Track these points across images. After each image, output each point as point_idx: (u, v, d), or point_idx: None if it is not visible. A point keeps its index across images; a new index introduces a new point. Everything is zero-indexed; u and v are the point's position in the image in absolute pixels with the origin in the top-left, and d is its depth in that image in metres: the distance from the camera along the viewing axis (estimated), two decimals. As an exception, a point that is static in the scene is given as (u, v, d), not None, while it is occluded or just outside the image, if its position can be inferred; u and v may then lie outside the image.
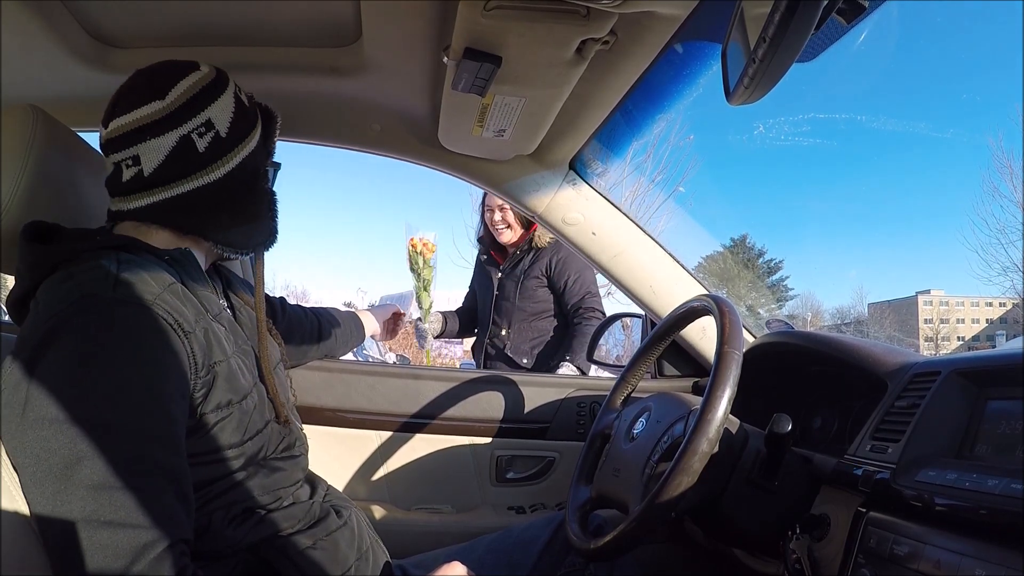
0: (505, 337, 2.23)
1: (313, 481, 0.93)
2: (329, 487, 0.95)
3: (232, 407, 0.77)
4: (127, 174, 0.80)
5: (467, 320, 2.41)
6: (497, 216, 2.19)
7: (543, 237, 2.18)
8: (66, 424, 0.63)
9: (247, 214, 0.87)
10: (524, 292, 2.19)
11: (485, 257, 2.32)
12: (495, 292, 2.25)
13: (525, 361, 2.18)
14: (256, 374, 0.86)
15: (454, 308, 2.49)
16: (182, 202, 0.81)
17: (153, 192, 0.80)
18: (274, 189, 0.93)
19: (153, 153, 0.79)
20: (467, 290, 2.50)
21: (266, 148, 0.90)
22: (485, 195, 2.24)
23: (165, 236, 0.83)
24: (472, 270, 2.45)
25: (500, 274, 2.25)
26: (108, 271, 0.71)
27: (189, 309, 0.75)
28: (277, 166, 0.93)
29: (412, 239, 2.56)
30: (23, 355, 0.66)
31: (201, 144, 0.81)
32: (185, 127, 0.80)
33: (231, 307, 0.93)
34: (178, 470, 0.68)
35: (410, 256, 2.43)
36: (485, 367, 2.24)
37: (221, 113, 0.82)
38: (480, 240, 2.36)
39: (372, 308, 1.59)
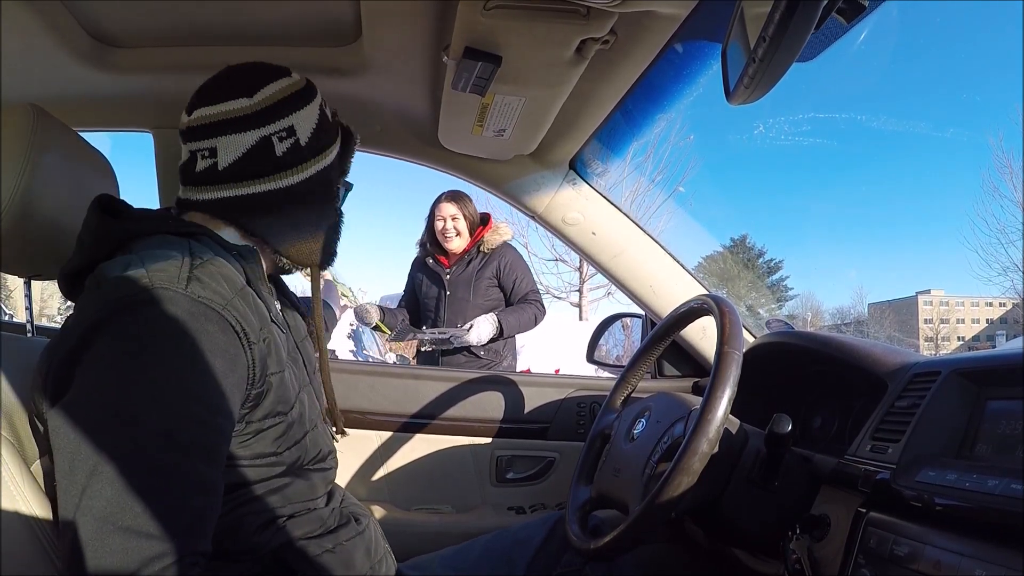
0: None
1: (332, 489, 0.91)
2: (346, 494, 0.94)
3: (279, 417, 0.75)
4: (201, 164, 0.80)
5: (413, 318, 2.59)
6: (449, 225, 2.41)
7: (490, 242, 2.43)
8: (107, 416, 0.61)
9: (311, 227, 0.86)
10: (478, 291, 2.42)
11: (431, 261, 2.51)
12: (446, 292, 2.46)
13: (483, 354, 2.40)
14: (303, 381, 0.84)
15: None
16: (251, 202, 0.80)
17: (224, 187, 0.80)
18: (343, 209, 0.92)
19: (231, 148, 0.79)
20: (403, 292, 2.68)
21: (341, 166, 0.90)
22: (435, 205, 2.45)
23: (231, 234, 0.82)
24: (409, 273, 2.65)
25: (449, 276, 2.46)
26: (182, 264, 0.69)
27: (255, 316, 0.73)
28: (349, 186, 0.93)
29: None
30: (78, 332, 0.64)
31: (280, 148, 0.80)
32: (267, 128, 0.79)
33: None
34: (211, 483, 0.66)
35: None
36: (443, 358, 2.41)
37: (304, 122, 0.82)
38: (423, 245, 2.55)
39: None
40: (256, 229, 0.82)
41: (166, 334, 0.64)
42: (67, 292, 0.77)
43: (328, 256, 0.90)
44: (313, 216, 0.85)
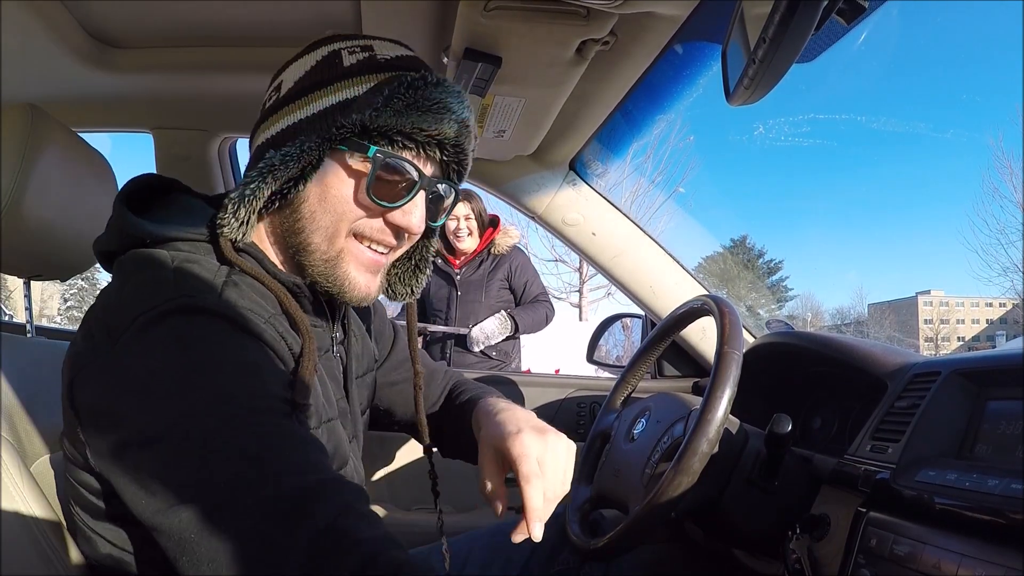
0: None
1: None
2: None
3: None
4: None
5: (421, 318, 2.59)
6: (462, 224, 2.44)
7: (500, 245, 2.47)
8: (168, 441, 0.52)
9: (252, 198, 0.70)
10: (489, 293, 2.47)
11: (440, 260, 2.53)
12: (457, 292, 2.49)
13: (495, 354, 2.45)
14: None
15: None
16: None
17: None
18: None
19: None
20: None
21: (352, 118, 0.73)
22: None
23: None
24: None
25: (459, 276, 2.49)
26: (214, 276, 0.61)
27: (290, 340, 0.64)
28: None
29: None
30: (108, 344, 0.56)
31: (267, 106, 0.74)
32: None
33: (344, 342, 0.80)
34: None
35: None
36: (455, 357, 2.44)
37: (291, 74, 0.72)
38: None
39: None
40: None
41: (212, 342, 0.56)
42: (105, 266, 0.68)
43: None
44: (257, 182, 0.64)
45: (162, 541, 0.52)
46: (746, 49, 0.53)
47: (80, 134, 0.96)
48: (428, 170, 0.68)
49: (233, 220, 0.64)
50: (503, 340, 2.41)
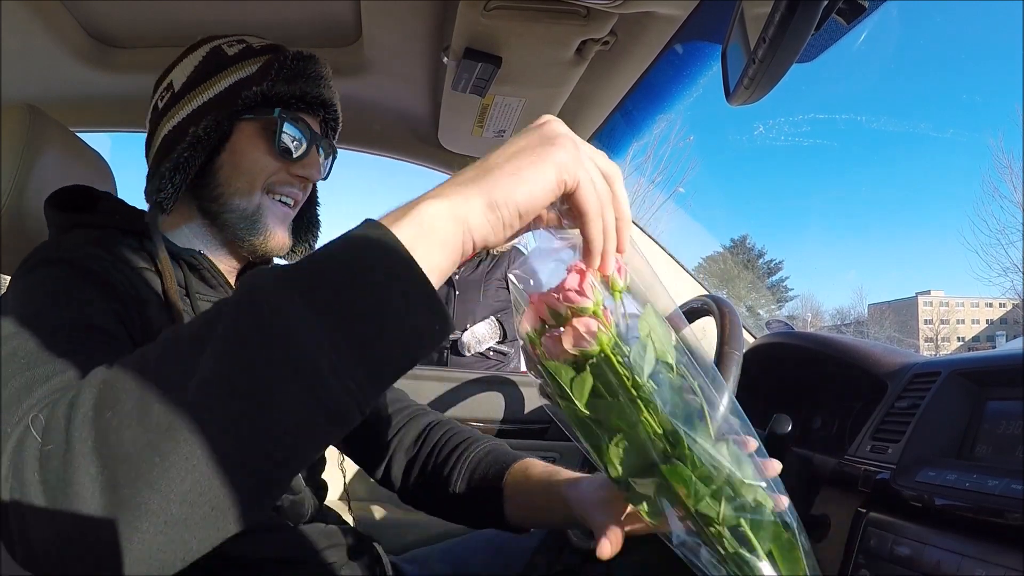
0: None
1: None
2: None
3: None
4: None
5: None
6: None
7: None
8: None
9: (174, 176, 0.78)
10: (487, 293, 2.43)
11: None
12: (455, 292, 2.46)
13: (492, 354, 2.40)
14: None
15: None
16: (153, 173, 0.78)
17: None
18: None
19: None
20: None
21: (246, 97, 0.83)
22: None
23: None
24: None
25: (457, 276, 2.46)
26: (87, 236, 0.69)
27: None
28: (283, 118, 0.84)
29: None
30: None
31: (160, 105, 0.80)
32: (155, 97, 0.81)
33: None
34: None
35: None
36: (452, 358, 2.41)
37: (182, 71, 0.80)
38: None
39: None
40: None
41: (53, 280, 0.62)
42: None
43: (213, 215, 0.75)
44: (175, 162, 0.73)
45: None
46: (746, 49, 0.53)
47: (80, 134, 0.96)
48: (316, 129, 0.80)
49: (169, 186, 0.72)
50: (495, 344, 2.39)
